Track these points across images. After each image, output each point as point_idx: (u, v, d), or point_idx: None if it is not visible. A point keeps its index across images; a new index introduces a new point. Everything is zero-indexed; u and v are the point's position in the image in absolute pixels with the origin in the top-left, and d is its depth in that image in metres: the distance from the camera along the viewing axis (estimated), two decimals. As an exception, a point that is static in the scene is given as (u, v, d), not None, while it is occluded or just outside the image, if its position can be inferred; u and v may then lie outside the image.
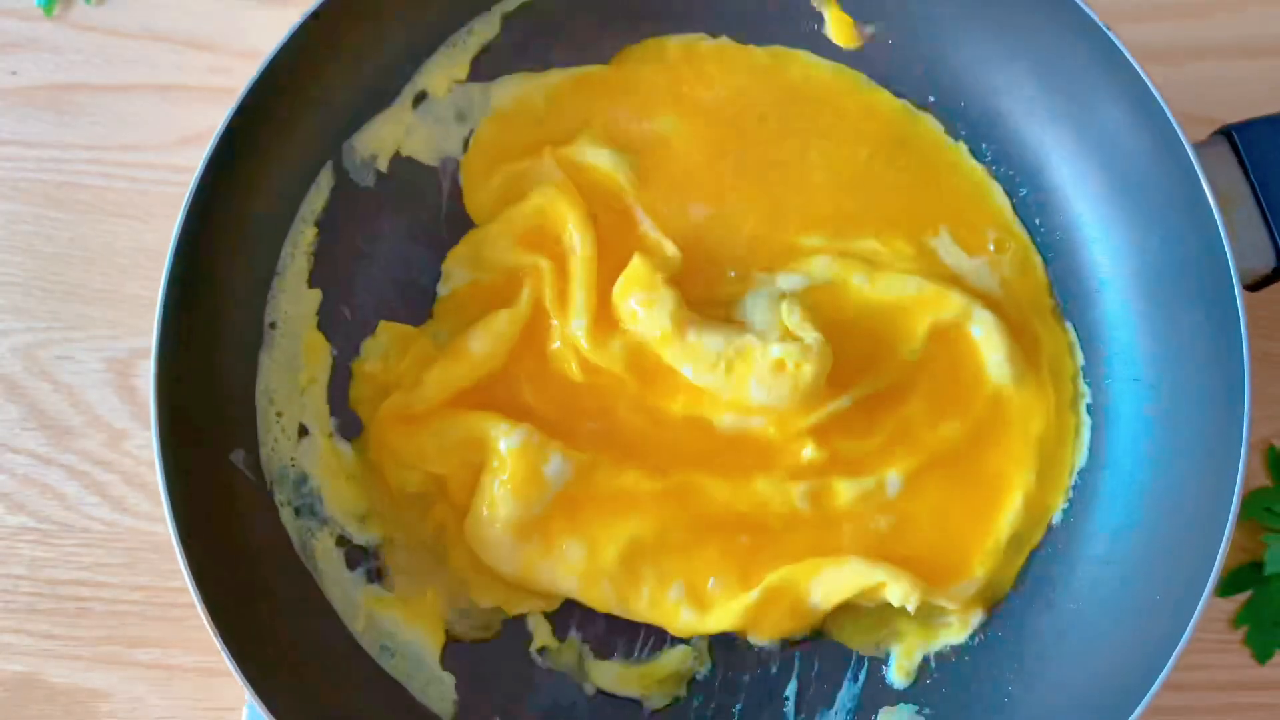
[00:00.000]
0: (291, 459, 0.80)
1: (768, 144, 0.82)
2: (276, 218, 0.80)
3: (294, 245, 0.80)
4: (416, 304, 0.82)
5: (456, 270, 0.81)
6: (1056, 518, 0.81)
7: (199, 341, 0.76)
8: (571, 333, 0.79)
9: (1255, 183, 0.76)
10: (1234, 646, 0.85)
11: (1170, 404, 0.78)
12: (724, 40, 0.83)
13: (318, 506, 0.80)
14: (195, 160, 0.88)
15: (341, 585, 0.79)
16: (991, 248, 0.82)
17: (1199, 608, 0.70)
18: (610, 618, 0.80)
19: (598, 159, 0.81)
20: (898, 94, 0.83)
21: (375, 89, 0.82)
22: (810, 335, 0.77)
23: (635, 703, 0.81)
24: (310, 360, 0.80)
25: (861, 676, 0.81)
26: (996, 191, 0.83)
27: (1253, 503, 0.86)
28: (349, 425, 0.81)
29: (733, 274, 0.81)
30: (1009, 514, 0.80)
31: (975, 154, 0.83)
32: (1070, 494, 0.81)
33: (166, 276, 0.73)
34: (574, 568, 0.78)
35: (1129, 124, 0.76)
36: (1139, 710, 0.69)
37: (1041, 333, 0.81)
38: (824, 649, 0.81)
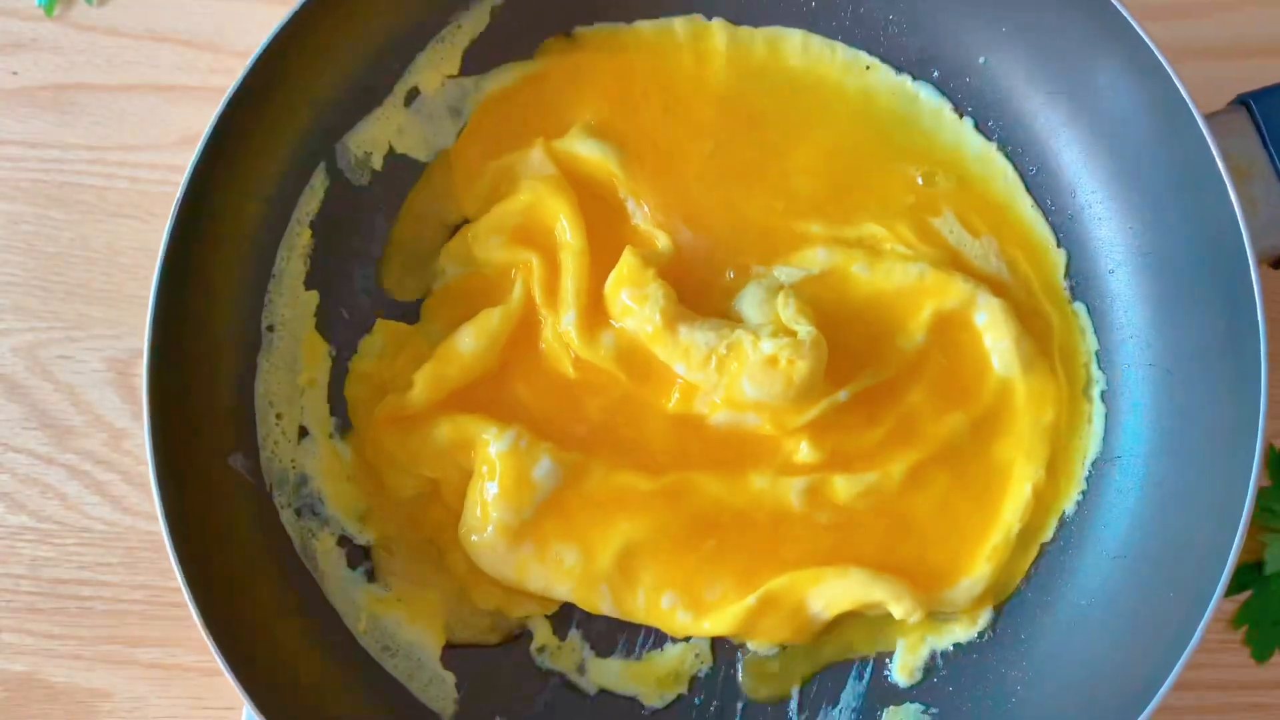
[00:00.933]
0: (292, 460, 0.79)
1: (764, 131, 0.80)
2: (271, 220, 0.80)
3: (289, 248, 0.80)
4: (414, 302, 0.82)
5: (449, 266, 0.80)
6: (1069, 510, 0.79)
7: (194, 344, 0.76)
8: (563, 328, 0.78)
9: (1276, 155, 0.73)
10: (1233, 646, 0.84)
11: (1186, 390, 0.75)
12: (720, 22, 0.81)
13: (319, 507, 0.79)
14: (197, 159, 0.90)
15: (343, 586, 0.79)
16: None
17: (1211, 605, 0.67)
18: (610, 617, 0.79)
19: (589, 151, 0.79)
20: (899, 70, 0.81)
21: (366, 86, 0.81)
22: (804, 329, 0.75)
23: (637, 701, 0.79)
24: (309, 362, 0.80)
25: (866, 674, 0.79)
26: (1006, 170, 0.80)
27: (1252, 503, 0.83)
28: (349, 426, 0.81)
29: (731, 275, 0.79)
30: (1017, 507, 0.77)
31: (982, 132, 0.81)
32: (1083, 485, 0.78)
33: (156, 278, 0.73)
34: (569, 573, 0.77)
35: (1136, 96, 0.73)
36: (1149, 710, 0.67)
37: (1053, 317, 0.79)
38: (827, 647, 0.79)
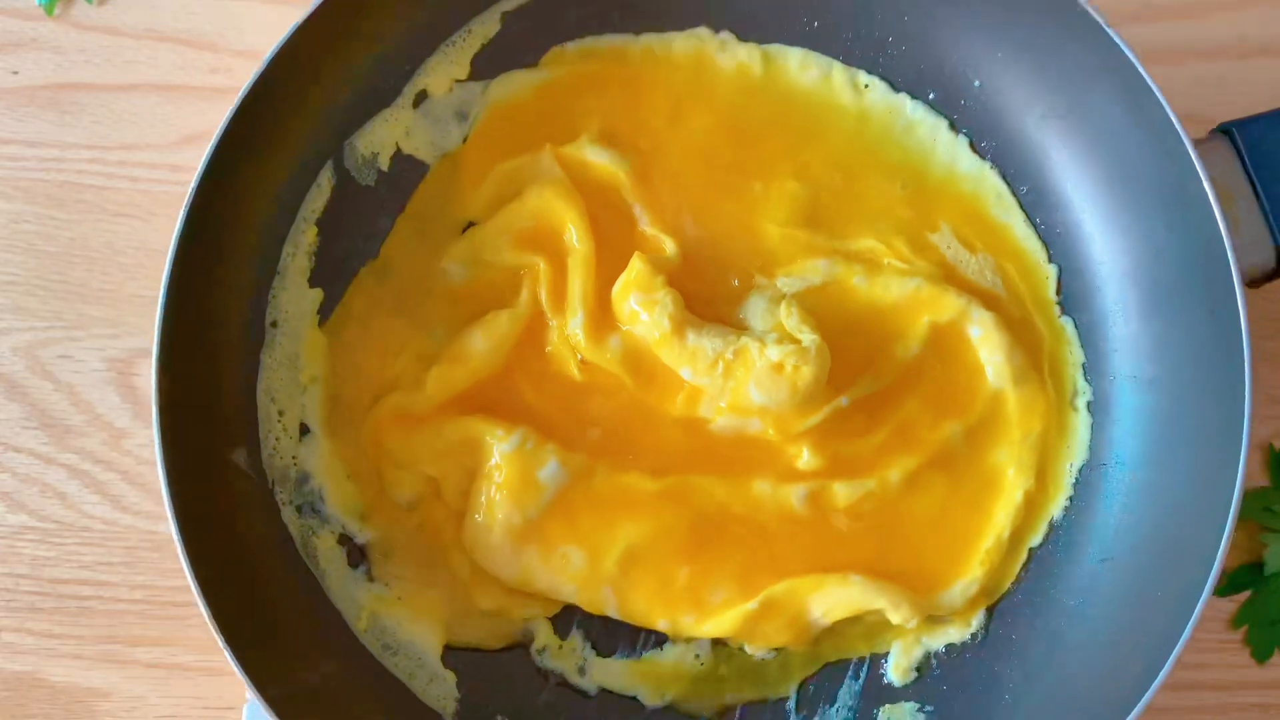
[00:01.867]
0: (294, 457, 0.80)
1: (766, 144, 0.82)
2: (277, 217, 0.80)
3: (295, 245, 0.81)
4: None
5: (453, 268, 0.81)
6: (1057, 515, 0.81)
7: (199, 341, 0.76)
8: (570, 331, 0.79)
9: (1256, 180, 0.76)
10: (1233, 646, 0.85)
11: (1171, 401, 0.78)
12: (727, 37, 0.83)
13: (319, 505, 0.80)
14: (196, 160, 0.88)
15: (344, 584, 0.80)
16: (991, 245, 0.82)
17: (1199, 605, 0.70)
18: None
19: (597, 158, 0.81)
20: (895, 90, 0.83)
21: (375, 88, 0.82)
22: (808, 337, 0.77)
23: (637, 701, 0.80)
24: (311, 359, 0.80)
25: (863, 674, 0.80)
26: (999, 189, 0.83)
27: (1252, 503, 0.86)
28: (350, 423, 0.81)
29: (735, 282, 0.81)
30: (1009, 512, 0.80)
31: (976, 151, 0.83)
32: (1070, 491, 0.81)
33: (167, 276, 0.73)
34: (575, 575, 0.78)
35: (1128, 121, 0.76)
36: (1139, 708, 0.69)
37: (1043, 330, 0.81)
38: (825, 646, 0.81)
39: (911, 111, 0.83)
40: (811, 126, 0.83)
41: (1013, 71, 0.81)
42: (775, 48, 0.83)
